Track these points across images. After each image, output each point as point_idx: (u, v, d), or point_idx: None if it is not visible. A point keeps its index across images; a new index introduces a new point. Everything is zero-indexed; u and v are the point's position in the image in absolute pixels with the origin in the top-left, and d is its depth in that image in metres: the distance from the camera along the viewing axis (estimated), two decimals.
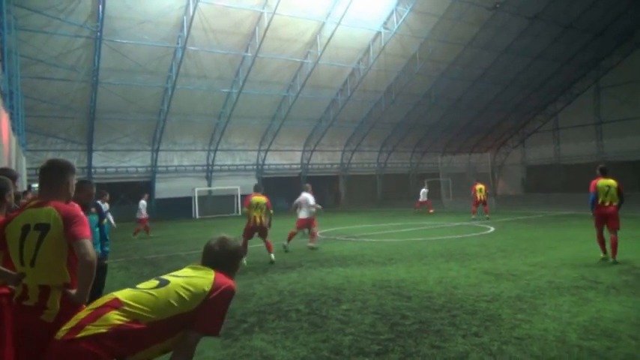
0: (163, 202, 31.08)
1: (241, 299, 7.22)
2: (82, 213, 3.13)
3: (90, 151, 28.42)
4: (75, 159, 26.64)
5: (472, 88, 36.97)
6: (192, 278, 2.69)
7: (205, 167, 33.15)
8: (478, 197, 20.65)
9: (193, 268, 2.82)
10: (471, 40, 32.02)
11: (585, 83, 41.34)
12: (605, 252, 9.25)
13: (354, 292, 7.52)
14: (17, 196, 5.84)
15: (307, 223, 12.81)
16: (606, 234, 9.25)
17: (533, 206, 26.56)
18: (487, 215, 20.17)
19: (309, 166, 37.65)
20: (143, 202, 18.68)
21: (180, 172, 32.37)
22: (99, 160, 29.08)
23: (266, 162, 35.52)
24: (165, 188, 31.39)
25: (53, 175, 3.21)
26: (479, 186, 20.98)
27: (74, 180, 3.36)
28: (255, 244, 11.30)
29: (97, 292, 2.80)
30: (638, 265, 8.62)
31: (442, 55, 32.28)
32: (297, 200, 13.16)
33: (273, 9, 24.98)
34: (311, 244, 12.32)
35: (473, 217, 20.37)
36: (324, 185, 36.48)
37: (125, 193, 27.77)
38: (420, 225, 18.79)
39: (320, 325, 5.78)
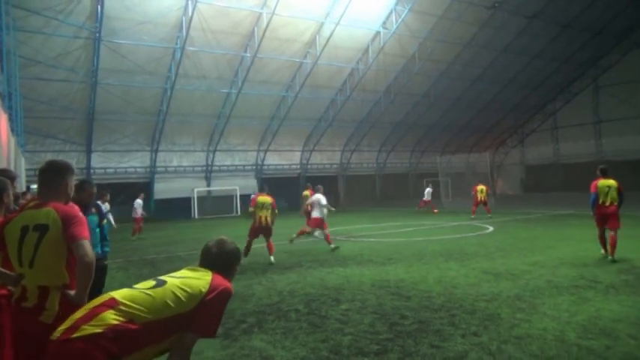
0: (162, 202, 31.10)
1: (241, 299, 7.23)
2: (80, 214, 3.13)
3: (89, 152, 28.43)
4: (74, 160, 26.62)
5: (471, 88, 37.00)
6: (189, 279, 2.69)
7: (204, 168, 33.15)
8: (479, 198, 20.85)
9: (191, 270, 2.82)
10: (469, 40, 32.05)
11: (584, 82, 41.38)
12: (606, 251, 9.30)
13: (354, 292, 7.52)
14: (16, 197, 5.84)
15: (320, 223, 12.82)
16: (607, 233, 9.29)
17: (532, 206, 26.59)
18: (489, 215, 20.30)
19: (309, 166, 37.66)
20: (139, 201, 18.56)
21: (180, 173, 32.38)
22: (98, 161, 29.08)
23: (265, 162, 35.52)
24: (164, 189, 31.39)
25: (52, 176, 3.21)
26: (480, 187, 21.22)
27: (73, 181, 3.36)
28: (256, 244, 11.29)
29: (96, 293, 2.81)
30: (638, 265, 8.63)
31: (441, 54, 32.30)
32: (310, 200, 13.32)
33: (272, 9, 24.98)
34: (332, 245, 12.29)
35: (472, 216, 20.47)
36: (323, 185, 36.44)
37: (124, 193, 27.76)
38: (420, 225, 18.79)
39: (319, 325, 5.78)
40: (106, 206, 12.29)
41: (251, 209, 11.14)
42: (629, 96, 37.42)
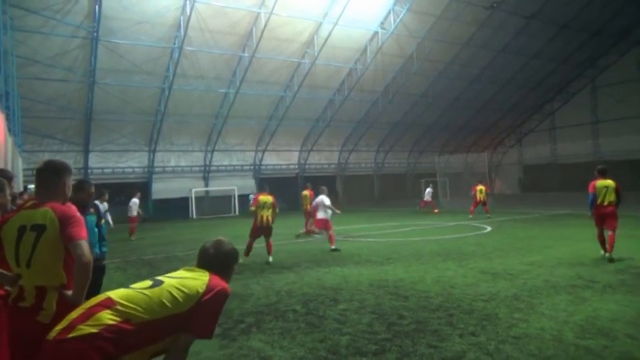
0: (160, 202, 31.07)
1: (239, 299, 7.22)
2: (78, 214, 3.12)
3: (87, 152, 28.38)
4: (71, 160, 26.60)
5: (469, 88, 37.05)
6: (186, 279, 2.68)
7: (202, 168, 33.12)
8: (478, 198, 20.95)
9: (188, 270, 2.82)
10: (467, 40, 32.09)
11: (582, 82, 41.47)
12: (605, 250, 9.32)
13: (352, 292, 7.52)
14: (14, 197, 5.83)
15: (325, 224, 12.81)
16: (605, 233, 9.33)
17: (530, 205, 26.63)
18: (488, 215, 20.36)
19: (307, 166, 37.66)
20: (134, 201, 18.45)
21: (178, 173, 32.35)
22: (96, 161, 29.04)
23: (263, 162, 35.51)
24: (162, 189, 31.37)
25: (49, 176, 3.20)
26: (479, 187, 21.37)
27: (71, 181, 3.35)
28: (255, 244, 11.27)
29: (94, 293, 2.80)
30: (634, 264, 8.65)
31: (439, 54, 32.34)
32: (315, 202, 13.30)
33: (270, 9, 24.97)
34: (332, 247, 12.29)
35: (470, 216, 20.52)
36: (321, 185, 36.46)
37: (122, 193, 27.71)
38: (418, 225, 18.81)
39: (317, 325, 5.78)
40: (104, 205, 12.27)
41: (252, 209, 11.12)
42: (626, 96, 37.52)
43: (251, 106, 30.76)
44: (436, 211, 25.21)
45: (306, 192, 17.51)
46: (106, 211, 12.83)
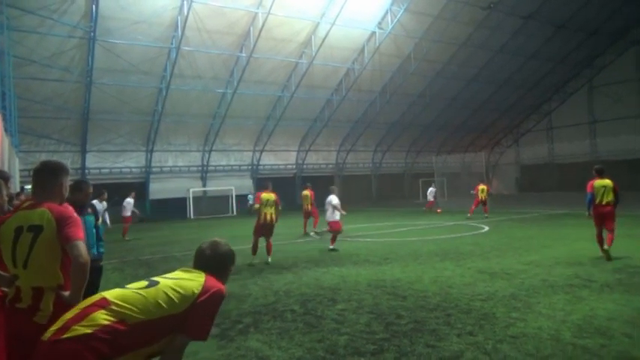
0: (158, 202, 31.00)
1: (237, 300, 7.21)
2: (75, 214, 3.11)
3: (84, 152, 28.31)
4: (68, 160, 26.53)
5: (467, 88, 37.10)
6: (182, 280, 2.67)
7: (200, 168, 33.08)
8: (480, 197, 20.96)
9: (185, 271, 2.80)
10: (465, 40, 32.13)
11: (579, 82, 41.56)
12: (603, 251, 9.33)
13: (350, 291, 7.52)
14: (10, 198, 5.81)
15: (336, 224, 12.64)
16: (604, 234, 9.37)
17: (527, 205, 26.67)
18: (486, 215, 20.35)
19: (304, 166, 37.66)
20: (129, 200, 18.33)
21: (175, 173, 32.30)
22: (93, 161, 28.97)
23: (261, 162, 35.49)
24: (159, 189, 31.31)
25: (46, 176, 3.19)
26: (481, 186, 21.47)
27: (68, 181, 3.34)
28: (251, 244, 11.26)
29: (91, 294, 2.79)
30: (631, 264, 8.67)
31: (437, 54, 32.37)
32: (326, 202, 12.94)
33: (267, 9, 24.97)
34: (331, 247, 12.26)
35: (469, 215, 20.51)
36: (318, 185, 36.47)
37: (119, 194, 27.64)
38: (415, 224, 18.83)
39: (315, 325, 5.78)
40: (103, 205, 12.25)
41: (257, 206, 11.06)
42: (624, 96, 37.63)
43: (249, 106, 30.74)
44: (439, 210, 25.09)
45: (306, 192, 17.48)
46: (105, 210, 12.82)
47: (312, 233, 16.60)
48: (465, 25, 30.63)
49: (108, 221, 15.25)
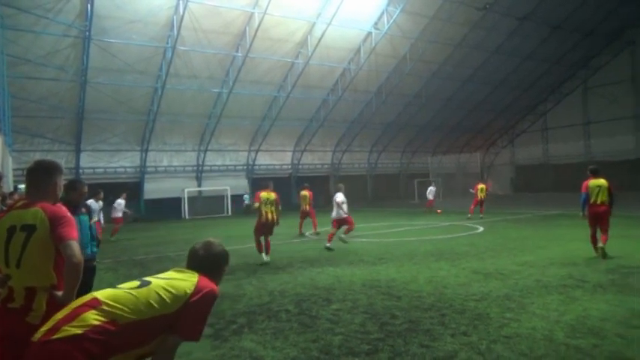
0: (153, 202, 30.93)
1: (231, 300, 7.20)
2: (69, 214, 3.10)
3: (78, 152, 28.20)
4: (63, 159, 26.42)
5: (462, 89, 37.20)
6: (174, 280, 2.65)
7: (195, 168, 33.02)
8: (479, 197, 20.91)
9: (177, 271, 2.78)
10: (461, 41, 32.22)
11: (574, 83, 41.75)
12: (598, 249, 9.38)
13: (344, 291, 7.52)
14: (4, 197, 5.78)
15: (341, 222, 12.66)
16: (598, 234, 9.43)
17: (522, 206, 26.76)
18: (481, 215, 20.35)
19: (300, 167, 37.65)
20: (119, 201, 18.18)
21: (170, 173, 32.22)
22: (87, 161, 28.86)
23: (256, 162, 35.46)
24: (154, 189, 31.23)
25: (40, 176, 3.18)
26: (480, 186, 21.38)
27: (62, 181, 3.32)
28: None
29: (84, 294, 2.78)
30: (625, 264, 8.72)
31: (432, 55, 32.44)
32: (333, 199, 12.99)
33: (263, 9, 24.95)
34: (328, 244, 12.27)
35: (469, 215, 20.39)
36: (315, 185, 36.48)
37: (113, 194, 27.54)
38: (411, 225, 18.86)
39: (310, 325, 5.78)
40: (99, 204, 12.21)
41: (256, 205, 11.03)
42: (619, 96, 37.82)
43: (244, 106, 30.70)
44: (439, 211, 24.76)
45: (305, 192, 17.45)
46: (100, 209, 12.78)
47: (307, 233, 16.60)
48: (461, 25, 30.72)
49: (102, 221, 15.17)
